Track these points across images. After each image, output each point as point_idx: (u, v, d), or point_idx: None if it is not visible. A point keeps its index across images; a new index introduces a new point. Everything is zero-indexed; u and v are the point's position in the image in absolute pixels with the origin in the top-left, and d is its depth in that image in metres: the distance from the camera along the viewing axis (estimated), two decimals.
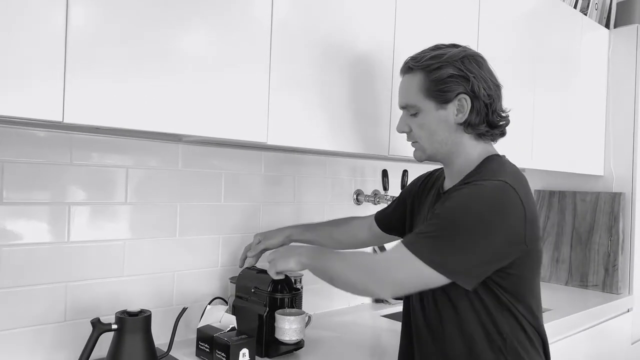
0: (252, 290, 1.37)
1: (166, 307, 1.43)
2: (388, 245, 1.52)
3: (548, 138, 2.15)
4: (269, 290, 1.34)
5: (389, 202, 1.52)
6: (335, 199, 1.89)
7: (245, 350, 1.22)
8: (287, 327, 1.28)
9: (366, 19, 1.43)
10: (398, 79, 1.21)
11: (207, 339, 1.28)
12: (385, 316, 1.86)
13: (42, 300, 1.22)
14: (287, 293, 1.35)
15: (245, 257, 1.42)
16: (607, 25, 2.62)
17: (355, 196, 1.96)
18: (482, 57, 1.13)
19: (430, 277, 0.98)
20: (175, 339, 1.21)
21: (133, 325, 1.13)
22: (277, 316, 1.30)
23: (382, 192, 1.97)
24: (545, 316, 1.83)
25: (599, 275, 2.40)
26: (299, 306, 1.42)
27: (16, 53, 0.84)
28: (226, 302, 1.48)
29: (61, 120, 0.90)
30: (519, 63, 1.98)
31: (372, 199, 1.94)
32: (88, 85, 0.92)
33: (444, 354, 1.11)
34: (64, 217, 1.25)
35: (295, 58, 1.26)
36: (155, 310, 1.35)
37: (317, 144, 1.33)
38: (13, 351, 1.18)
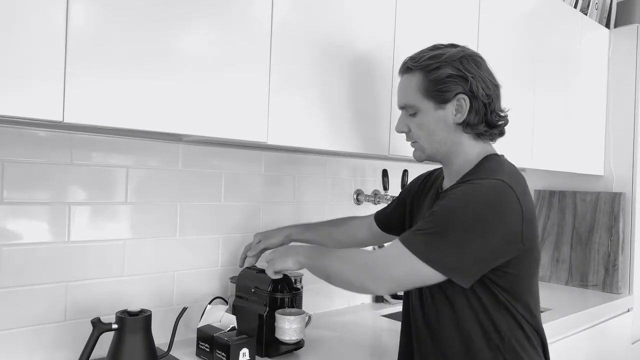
0: (252, 290, 1.37)
1: (166, 306, 1.44)
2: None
3: (548, 138, 2.16)
4: (269, 290, 1.34)
5: (389, 202, 1.52)
6: (335, 199, 1.89)
7: (245, 350, 1.23)
8: (287, 327, 1.29)
9: (366, 19, 1.43)
10: (398, 79, 1.21)
11: (207, 338, 1.28)
12: (385, 316, 1.86)
13: (42, 300, 1.22)
14: (287, 293, 1.36)
15: (245, 257, 1.42)
16: (607, 25, 2.62)
17: (355, 196, 1.96)
18: (480, 57, 1.13)
19: (426, 274, 0.99)
20: (175, 338, 1.22)
21: (133, 325, 1.13)
22: (277, 316, 1.30)
23: (382, 192, 1.97)
24: (545, 316, 1.84)
25: (599, 275, 2.40)
26: (299, 306, 1.42)
27: (16, 53, 0.84)
28: (226, 302, 1.48)
29: (61, 120, 0.90)
30: (519, 63, 1.98)
31: (372, 199, 1.94)
32: (88, 85, 0.93)
33: (442, 352, 1.11)
34: (64, 216, 1.25)
35: (295, 58, 1.26)
36: (155, 310, 1.36)
37: (317, 144, 1.34)
38: (13, 351, 1.18)
